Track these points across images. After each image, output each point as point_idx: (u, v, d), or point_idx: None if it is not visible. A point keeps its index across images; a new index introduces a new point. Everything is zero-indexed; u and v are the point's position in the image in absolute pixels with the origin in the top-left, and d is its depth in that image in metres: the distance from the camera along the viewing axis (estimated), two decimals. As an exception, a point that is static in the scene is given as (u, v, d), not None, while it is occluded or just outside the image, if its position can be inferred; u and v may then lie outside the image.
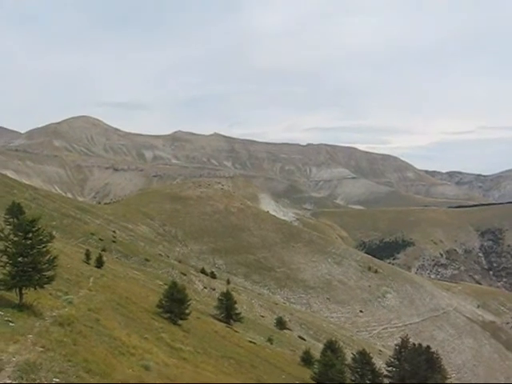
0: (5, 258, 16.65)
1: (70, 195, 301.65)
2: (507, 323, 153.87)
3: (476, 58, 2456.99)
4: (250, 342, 41.00)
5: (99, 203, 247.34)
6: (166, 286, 37.85)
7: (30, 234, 17.08)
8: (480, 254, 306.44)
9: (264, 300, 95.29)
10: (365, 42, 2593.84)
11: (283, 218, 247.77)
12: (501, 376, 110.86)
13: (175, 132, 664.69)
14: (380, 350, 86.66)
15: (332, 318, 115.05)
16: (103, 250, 67.28)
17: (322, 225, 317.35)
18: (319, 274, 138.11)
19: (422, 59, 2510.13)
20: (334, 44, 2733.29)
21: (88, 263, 45.62)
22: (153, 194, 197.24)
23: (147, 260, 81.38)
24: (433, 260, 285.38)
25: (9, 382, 9.85)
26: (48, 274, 17.31)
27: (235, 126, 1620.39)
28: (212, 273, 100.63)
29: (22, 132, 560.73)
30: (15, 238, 16.90)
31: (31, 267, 16.59)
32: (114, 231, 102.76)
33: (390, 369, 48.76)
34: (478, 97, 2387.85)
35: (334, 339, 49.15)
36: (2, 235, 16.85)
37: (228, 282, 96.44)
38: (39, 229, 17.51)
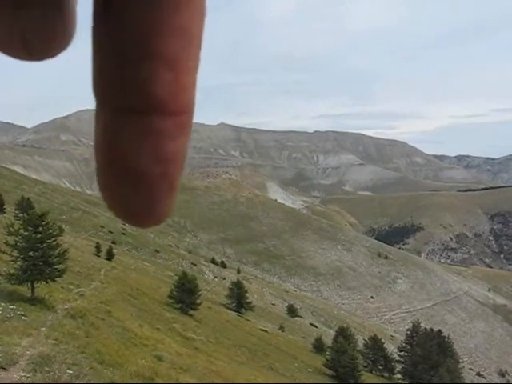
0: (16, 253, 16.72)
1: (78, 189, 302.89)
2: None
3: (489, 38, 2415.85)
4: (262, 330, 41.19)
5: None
6: (176, 277, 37.99)
7: (40, 228, 17.10)
8: (490, 238, 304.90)
9: (274, 288, 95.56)
10: (373, 27, 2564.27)
11: (292, 205, 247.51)
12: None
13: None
14: (391, 336, 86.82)
15: (343, 304, 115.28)
16: (113, 242, 67.56)
17: (331, 212, 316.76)
18: (329, 260, 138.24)
19: (431, 42, 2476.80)
20: (342, 29, 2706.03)
21: (98, 256, 45.93)
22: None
23: (157, 251, 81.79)
24: (443, 244, 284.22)
25: (23, 374, 9.92)
26: (59, 267, 17.35)
27: (242, 116, 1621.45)
28: (222, 262, 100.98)
29: (29, 127, 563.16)
30: (25, 233, 16.93)
31: (42, 261, 16.63)
32: (123, 223, 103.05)
33: (402, 354, 49.01)
34: (493, 78, 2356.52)
35: (345, 326, 49.24)
36: (12, 230, 16.90)
37: (238, 271, 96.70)
38: (49, 223, 17.54)
